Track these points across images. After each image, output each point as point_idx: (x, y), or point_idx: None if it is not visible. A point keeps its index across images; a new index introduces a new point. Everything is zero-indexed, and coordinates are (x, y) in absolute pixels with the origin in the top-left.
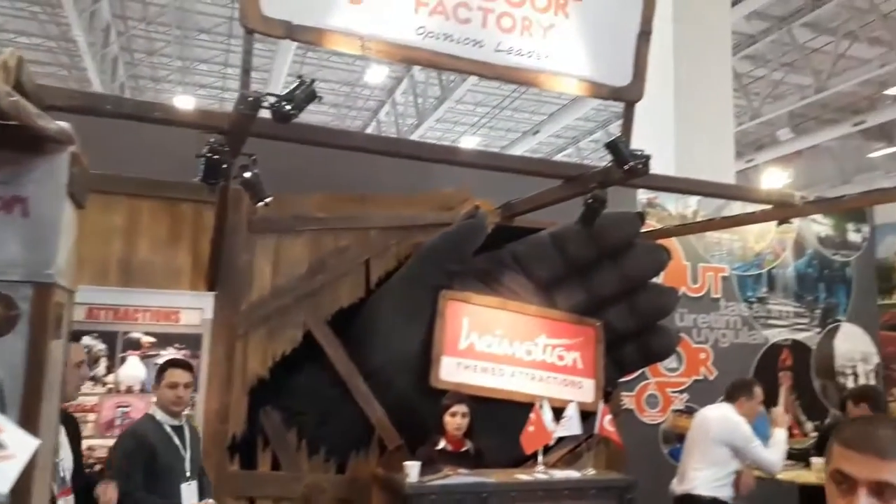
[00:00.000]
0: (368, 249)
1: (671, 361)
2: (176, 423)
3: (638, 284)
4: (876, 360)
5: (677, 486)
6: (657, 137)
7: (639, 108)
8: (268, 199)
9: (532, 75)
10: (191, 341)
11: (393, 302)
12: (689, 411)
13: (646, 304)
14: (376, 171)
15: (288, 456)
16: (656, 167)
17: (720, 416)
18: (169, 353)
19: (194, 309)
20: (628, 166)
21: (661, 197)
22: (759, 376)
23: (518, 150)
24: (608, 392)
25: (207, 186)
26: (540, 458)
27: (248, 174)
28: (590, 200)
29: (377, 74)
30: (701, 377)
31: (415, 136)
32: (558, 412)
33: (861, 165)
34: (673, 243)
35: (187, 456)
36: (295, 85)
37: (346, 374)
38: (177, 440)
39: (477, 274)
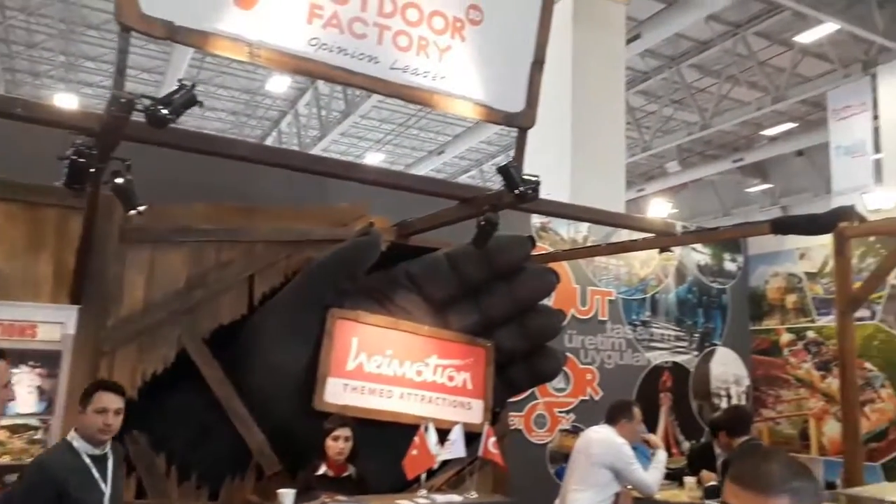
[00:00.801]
0: (253, 264)
1: (559, 382)
2: (97, 451)
3: (528, 306)
4: (747, 382)
5: None
6: (554, 165)
7: (538, 136)
8: (141, 208)
9: (427, 95)
10: (48, 359)
11: (277, 320)
12: (575, 431)
13: (535, 326)
14: (268, 182)
15: (154, 482)
16: (553, 194)
17: (602, 439)
18: (22, 372)
19: (54, 323)
20: (519, 191)
21: (553, 222)
22: (642, 397)
23: (423, 170)
24: (496, 413)
25: (72, 191)
26: (423, 482)
27: (119, 180)
28: (482, 222)
29: (279, 84)
30: (587, 397)
31: (317, 149)
32: (447, 434)
33: (739, 199)
34: (564, 267)
35: (107, 491)
36: (174, 89)
37: (224, 395)
38: (96, 472)
39: (369, 292)
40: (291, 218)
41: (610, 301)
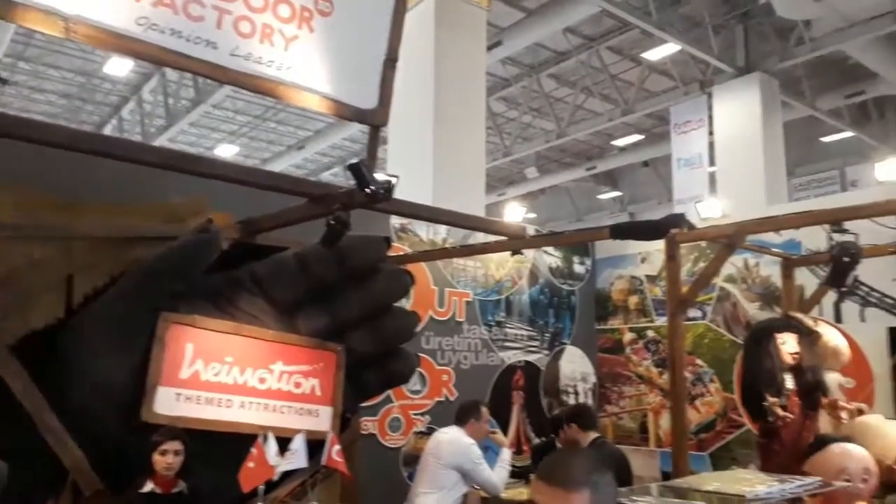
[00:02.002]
0: (72, 263)
1: (415, 384)
2: None
3: (382, 308)
4: (593, 379)
5: None
6: (417, 167)
7: (401, 138)
8: None
9: (271, 85)
10: None
11: (100, 325)
12: (430, 433)
13: (389, 328)
14: (99, 175)
15: None
16: (415, 195)
17: (451, 440)
18: None
19: None
20: (370, 190)
21: (413, 224)
22: (496, 396)
23: (281, 165)
24: (347, 419)
25: None
26: (261, 494)
27: None
28: (332, 222)
29: (120, 67)
30: (443, 398)
31: (163, 139)
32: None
33: (592, 206)
34: (423, 269)
35: None
36: None
37: (34, 408)
38: None
39: (207, 295)
40: (118, 214)
41: (467, 302)
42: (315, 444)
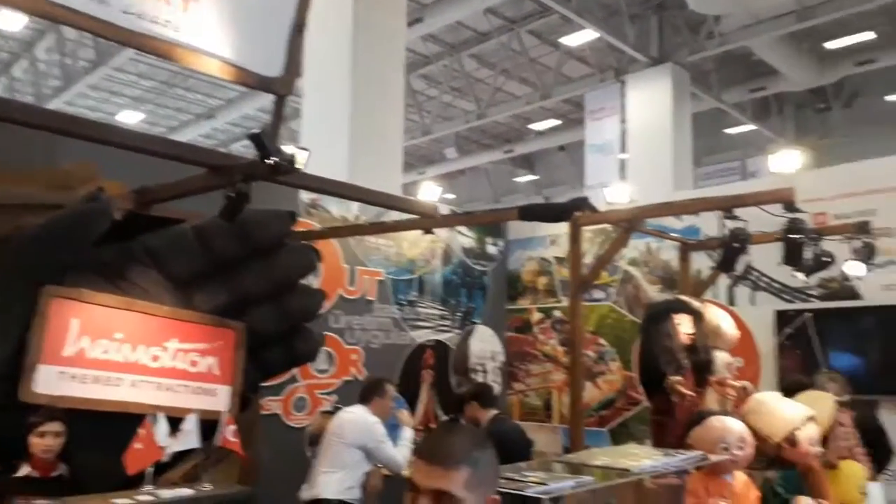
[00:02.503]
0: None
1: (322, 363)
2: None
3: (286, 285)
4: (502, 358)
5: (306, 492)
6: (333, 142)
7: (316, 111)
8: None
9: (167, 47)
10: None
11: None
12: (336, 412)
13: (293, 306)
14: None
15: None
16: (330, 171)
17: (354, 419)
18: None
19: None
20: (273, 161)
21: (323, 199)
22: (405, 375)
23: (189, 135)
24: (248, 398)
25: None
26: (149, 476)
27: None
28: (232, 194)
29: (12, 22)
30: (351, 378)
31: (59, 102)
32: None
33: (509, 188)
34: (333, 246)
35: None
36: None
37: None
38: None
39: (98, 268)
40: (2, 179)
41: (379, 281)
42: (212, 425)
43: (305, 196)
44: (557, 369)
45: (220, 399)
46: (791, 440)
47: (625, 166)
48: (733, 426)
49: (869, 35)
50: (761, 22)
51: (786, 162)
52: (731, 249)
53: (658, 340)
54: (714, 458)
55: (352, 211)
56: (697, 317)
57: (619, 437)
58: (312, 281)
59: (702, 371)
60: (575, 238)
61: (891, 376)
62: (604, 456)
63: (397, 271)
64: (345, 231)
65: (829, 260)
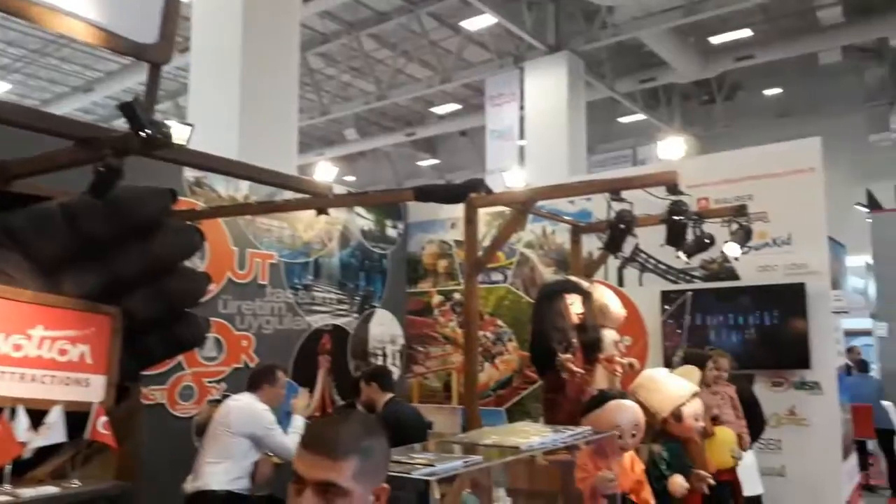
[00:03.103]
0: None
1: (210, 350)
2: None
3: (166, 267)
4: (402, 341)
5: (190, 484)
6: (222, 119)
7: (204, 87)
8: None
9: (23, 5)
10: None
11: None
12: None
13: (175, 290)
14: None
15: None
16: (219, 149)
17: (242, 407)
18: None
19: None
20: (146, 133)
21: (210, 177)
22: (301, 361)
23: (65, 108)
24: (126, 388)
25: None
26: (7, 475)
27: None
28: (101, 168)
29: None
30: (242, 365)
31: None
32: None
33: (411, 171)
34: (220, 227)
35: None
36: None
37: None
38: None
39: None
40: None
41: (271, 264)
42: (85, 418)
43: (190, 174)
44: (457, 351)
45: (93, 389)
46: (677, 415)
47: (524, 152)
48: (630, 415)
49: (747, 32)
50: (651, 14)
51: (672, 149)
52: (617, 230)
53: (550, 319)
54: (604, 434)
55: (241, 191)
56: (587, 297)
57: (516, 415)
58: (198, 264)
59: (591, 349)
60: (470, 219)
61: (765, 351)
62: (495, 434)
63: (291, 254)
64: (230, 210)
65: (709, 242)
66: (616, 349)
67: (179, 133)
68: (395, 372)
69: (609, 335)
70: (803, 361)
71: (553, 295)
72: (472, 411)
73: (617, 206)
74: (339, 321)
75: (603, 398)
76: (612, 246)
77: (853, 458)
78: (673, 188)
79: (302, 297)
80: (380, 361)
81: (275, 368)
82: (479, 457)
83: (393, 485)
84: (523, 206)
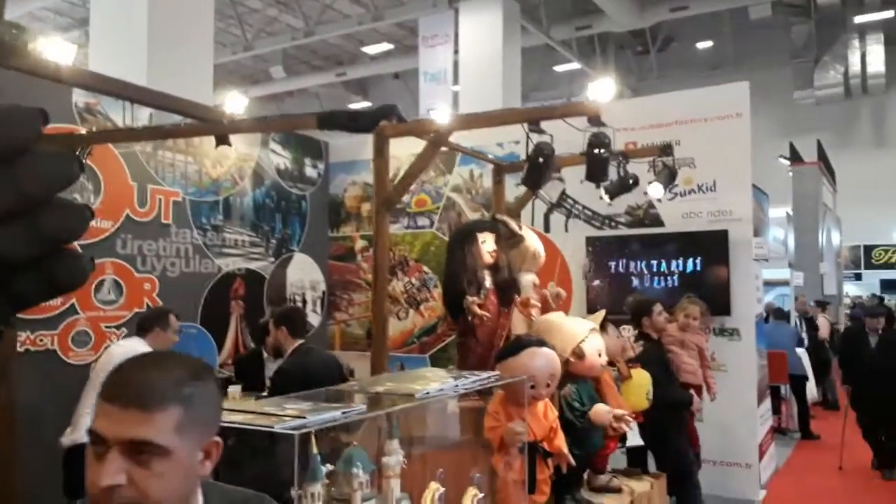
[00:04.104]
0: None
1: (108, 293)
2: None
3: (37, 200)
4: (323, 287)
5: (67, 437)
6: (127, 51)
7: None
8: None
9: None
10: None
11: None
12: None
13: (49, 225)
14: None
15: None
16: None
17: (126, 353)
18: None
19: None
20: None
21: (104, 103)
22: (211, 306)
23: None
24: None
25: None
26: None
27: None
28: None
29: None
30: (144, 309)
31: None
32: None
33: None
34: (117, 159)
35: None
36: None
37: None
38: None
39: None
40: None
41: (176, 202)
42: None
43: (80, 99)
44: None
45: None
46: (579, 353)
47: (458, 98)
48: (545, 363)
49: None
50: None
51: (601, 91)
52: (535, 164)
53: (461, 260)
54: (512, 379)
55: (141, 121)
56: (512, 237)
57: (441, 362)
58: (92, 200)
59: (506, 291)
60: (380, 151)
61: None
62: (392, 381)
63: (198, 192)
64: (114, 136)
65: (633, 182)
66: (533, 292)
67: (28, 35)
68: (316, 319)
69: (528, 278)
70: (724, 308)
71: (465, 235)
72: (379, 358)
73: (536, 138)
74: (254, 265)
75: (519, 345)
76: (531, 181)
77: (767, 403)
78: (594, 120)
79: (211, 238)
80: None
81: (167, 312)
82: (363, 406)
83: (254, 440)
84: (437, 137)
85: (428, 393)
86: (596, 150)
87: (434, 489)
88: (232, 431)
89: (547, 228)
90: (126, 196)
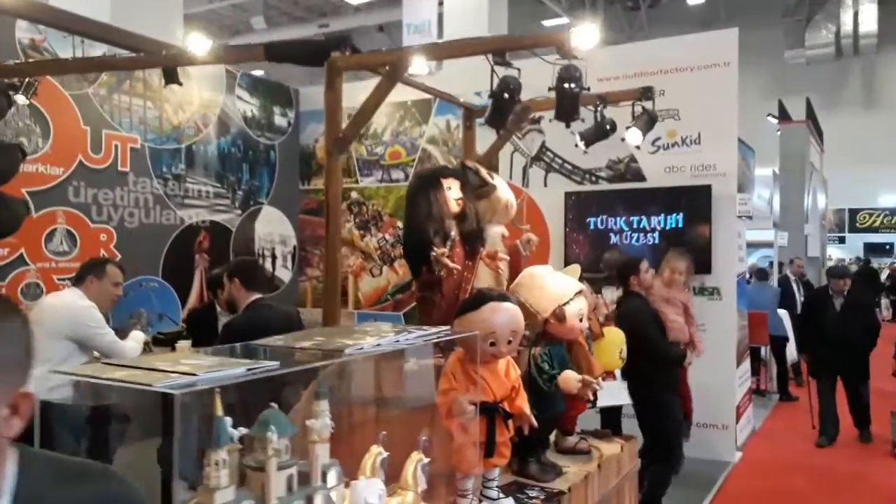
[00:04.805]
0: None
1: (60, 244)
2: None
3: None
4: (293, 242)
5: None
6: None
7: None
8: None
9: None
10: None
11: None
12: None
13: None
14: None
15: None
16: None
17: (58, 303)
18: None
19: None
20: None
21: (51, 38)
22: (174, 259)
23: None
24: None
25: None
26: None
27: None
28: None
29: None
30: None
31: None
32: None
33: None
34: (67, 102)
35: None
36: None
37: None
38: None
39: None
40: None
41: (133, 149)
42: None
43: (25, 35)
44: (354, 253)
45: None
46: (560, 315)
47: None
48: (506, 319)
49: None
50: None
51: (584, 38)
52: (500, 101)
53: (426, 208)
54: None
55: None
56: (482, 186)
57: (412, 320)
58: (40, 144)
59: (472, 241)
60: (332, 84)
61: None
62: (327, 335)
63: (158, 139)
64: (45, 67)
65: (609, 128)
66: (502, 244)
67: None
68: (287, 275)
69: (496, 230)
70: (705, 266)
71: (428, 180)
72: (332, 312)
73: (501, 70)
74: (219, 217)
75: (481, 298)
76: (495, 119)
77: (746, 364)
78: (566, 52)
79: (172, 188)
80: (269, 263)
81: (106, 262)
82: (276, 363)
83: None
84: (392, 71)
85: (362, 348)
86: (566, 85)
87: (375, 454)
88: (108, 390)
89: (525, 183)
90: (78, 141)
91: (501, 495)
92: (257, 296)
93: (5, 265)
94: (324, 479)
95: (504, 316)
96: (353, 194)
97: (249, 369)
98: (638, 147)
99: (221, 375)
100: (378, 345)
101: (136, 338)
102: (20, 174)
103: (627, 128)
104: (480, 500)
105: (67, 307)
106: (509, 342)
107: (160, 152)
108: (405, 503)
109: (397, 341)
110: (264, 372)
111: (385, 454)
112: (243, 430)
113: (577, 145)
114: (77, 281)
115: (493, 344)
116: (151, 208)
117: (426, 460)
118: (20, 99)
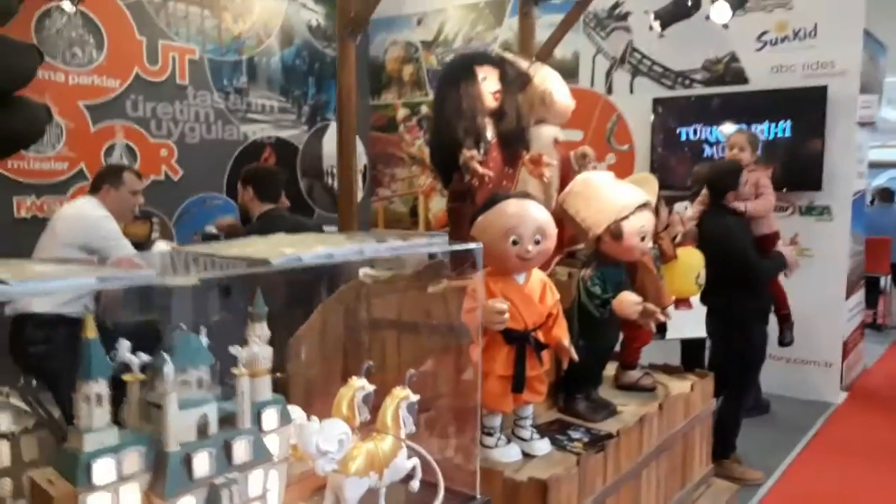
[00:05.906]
0: None
1: (120, 159)
2: None
3: None
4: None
5: (10, 305)
6: None
7: None
8: None
9: None
10: None
11: None
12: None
13: None
14: None
15: None
16: None
17: (71, 213)
18: None
19: None
20: None
21: None
22: (238, 175)
23: None
24: None
25: None
26: None
27: None
28: None
29: None
30: (162, 177)
31: None
32: None
33: None
34: (123, 14)
35: None
36: None
37: None
38: None
39: None
40: None
41: (192, 61)
42: None
43: None
44: (424, 172)
45: None
46: (616, 232)
47: None
48: (531, 213)
49: None
50: None
51: None
52: None
53: (456, 104)
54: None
55: None
56: (519, 77)
57: None
58: (94, 55)
59: (512, 143)
60: None
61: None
62: (267, 243)
63: (218, 49)
64: None
65: (691, 5)
66: (554, 150)
67: None
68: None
69: (549, 130)
70: (814, 182)
71: (460, 71)
72: (347, 220)
73: None
74: (284, 134)
75: (494, 199)
76: None
77: (859, 295)
78: None
79: (234, 102)
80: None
81: (122, 168)
82: (151, 272)
83: None
84: None
85: (300, 258)
86: None
87: (354, 388)
88: None
89: (610, 90)
90: (134, 52)
91: (536, 436)
92: (271, 206)
93: (66, 179)
94: (258, 422)
95: (522, 209)
96: (424, 108)
97: (100, 279)
98: (726, 26)
99: (48, 287)
100: (331, 255)
101: (161, 248)
102: (75, 86)
103: (713, 1)
104: (509, 441)
105: (79, 217)
106: (536, 241)
107: (220, 64)
108: (378, 450)
109: (360, 251)
110: (120, 283)
111: (369, 389)
112: (145, 358)
113: (651, 28)
114: (93, 190)
115: (515, 243)
116: (213, 123)
117: (414, 398)
118: (66, 6)
